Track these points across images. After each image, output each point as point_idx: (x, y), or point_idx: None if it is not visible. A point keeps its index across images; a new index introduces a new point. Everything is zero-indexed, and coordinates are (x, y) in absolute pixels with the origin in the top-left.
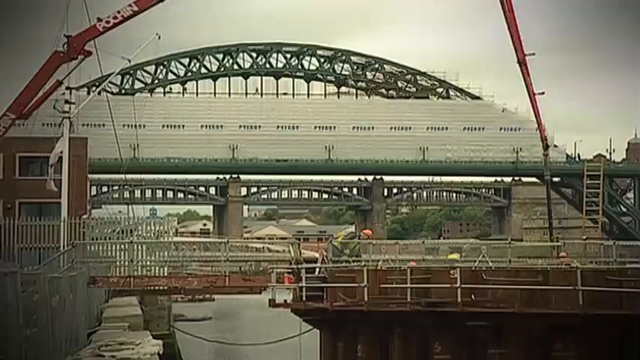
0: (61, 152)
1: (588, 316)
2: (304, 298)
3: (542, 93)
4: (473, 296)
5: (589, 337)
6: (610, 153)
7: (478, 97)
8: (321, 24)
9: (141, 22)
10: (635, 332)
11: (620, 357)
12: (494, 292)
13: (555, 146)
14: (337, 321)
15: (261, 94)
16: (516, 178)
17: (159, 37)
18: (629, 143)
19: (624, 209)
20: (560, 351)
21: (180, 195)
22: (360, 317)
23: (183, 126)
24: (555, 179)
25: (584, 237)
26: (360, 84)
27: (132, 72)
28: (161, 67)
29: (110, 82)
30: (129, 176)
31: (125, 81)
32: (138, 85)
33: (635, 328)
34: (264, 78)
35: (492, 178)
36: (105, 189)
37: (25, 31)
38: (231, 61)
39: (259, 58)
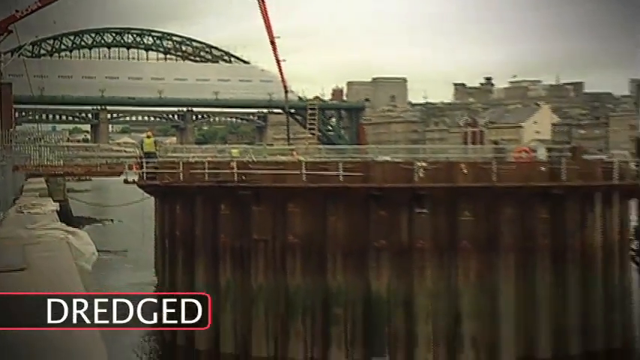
0: None
1: (308, 187)
2: (145, 178)
3: (284, 60)
4: (243, 177)
5: (309, 200)
6: (323, 95)
7: (248, 62)
8: (157, 12)
9: (46, 11)
10: (338, 197)
11: (325, 212)
12: (256, 175)
13: (292, 91)
14: (165, 192)
15: (119, 58)
16: (270, 110)
17: (54, 22)
18: (333, 90)
19: (330, 128)
20: (292, 208)
21: (70, 118)
22: (178, 190)
23: (71, 77)
24: (292, 111)
25: (308, 143)
26: (178, 53)
27: (39, 43)
28: (57, 41)
29: (25, 49)
30: (38, 106)
31: (34, 48)
32: (43, 51)
33: (337, 193)
34: (120, 49)
35: (257, 110)
36: (24, 114)
37: None
38: (99, 37)
39: (117, 37)
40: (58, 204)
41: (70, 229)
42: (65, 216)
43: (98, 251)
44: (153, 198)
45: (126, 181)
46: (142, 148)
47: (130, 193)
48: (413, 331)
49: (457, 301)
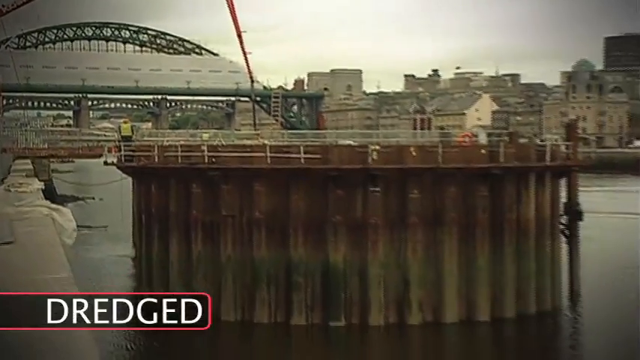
0: None
1: (272, 168)
2: (123, 160)
3: (250, 52)
4: (213, 159)
5: (273, 180)
6: (286, 85)
7: (217, 55)
8: (137, 8)
9: (30, 7)
10: (299, 177)
11: (287, 191)
12: (225, 157)
13: (257, 81)
14: (141, 173)
15: (98, 50)
16: (238, 98)
17: (38, 17)
18: (295, 80)
19: (292, 114)
20: (257, 187)
21: (54, 105)
22: (153, 171)
23: (55, 67)
24: (258, 99)
25: (272, 128)
26: (153, 46)
27: (24, 36)
28: (41, 34)
29: (11, 41)
30: (24, 94)
31: (20, 41)
32: (28, 44)
33: (299, 174)
34: (100, 41)
35: (225, 98)
36: (11, 101)
37: None
38: (80, 31)
39: (97, 30)
40: (43, 183)
41: (54, 206)
42: (50, 194)
43: (80, 227)
44: (130, 178)
45: (105, 163)
46: (120, 133)
47: (109, 174)
48: (366, 297)
49: (406, 271)
